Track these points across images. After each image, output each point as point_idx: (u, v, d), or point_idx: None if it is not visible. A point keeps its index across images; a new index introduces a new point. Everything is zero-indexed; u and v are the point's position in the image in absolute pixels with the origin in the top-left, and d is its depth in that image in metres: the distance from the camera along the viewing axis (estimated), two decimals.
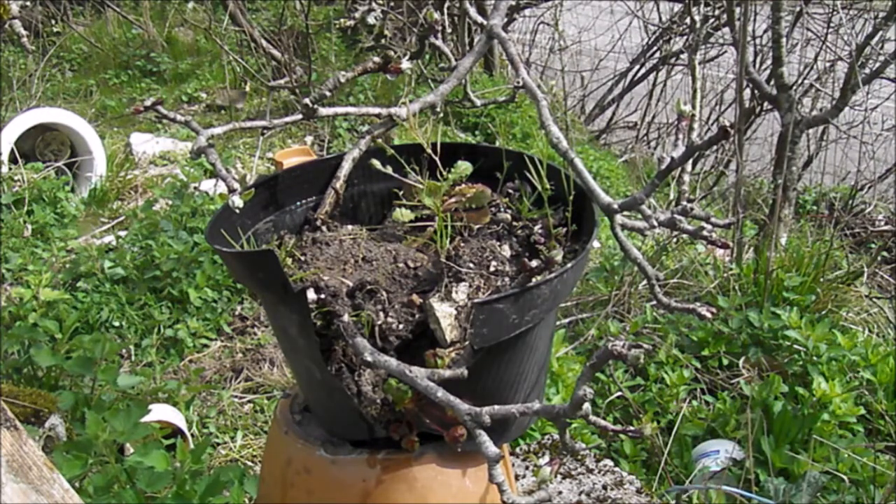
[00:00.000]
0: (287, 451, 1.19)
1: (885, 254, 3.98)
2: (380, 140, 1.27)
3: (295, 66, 4.91)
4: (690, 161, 2.92)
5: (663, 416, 2.41)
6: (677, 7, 5.45)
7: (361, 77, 2.86)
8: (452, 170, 1.18)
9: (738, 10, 3.26)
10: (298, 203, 1.29)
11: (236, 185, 1.11)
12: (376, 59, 1.26)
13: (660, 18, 5.67)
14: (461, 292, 1.07)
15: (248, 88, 5.28)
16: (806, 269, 2.82)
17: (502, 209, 1.23)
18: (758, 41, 4.66)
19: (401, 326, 1.08)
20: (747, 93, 4.02)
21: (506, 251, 1.16)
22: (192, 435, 2.39)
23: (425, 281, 1.14)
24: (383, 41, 1.41)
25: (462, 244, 1.16)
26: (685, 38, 5.16)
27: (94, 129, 4.11)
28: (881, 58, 3.42)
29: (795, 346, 2.46)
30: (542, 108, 1.11)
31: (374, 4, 1.38)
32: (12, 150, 3.73)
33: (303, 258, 1.18)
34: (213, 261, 2.96)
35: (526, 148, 4.61)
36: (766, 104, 4.22)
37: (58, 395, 2.06)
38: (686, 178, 2.89)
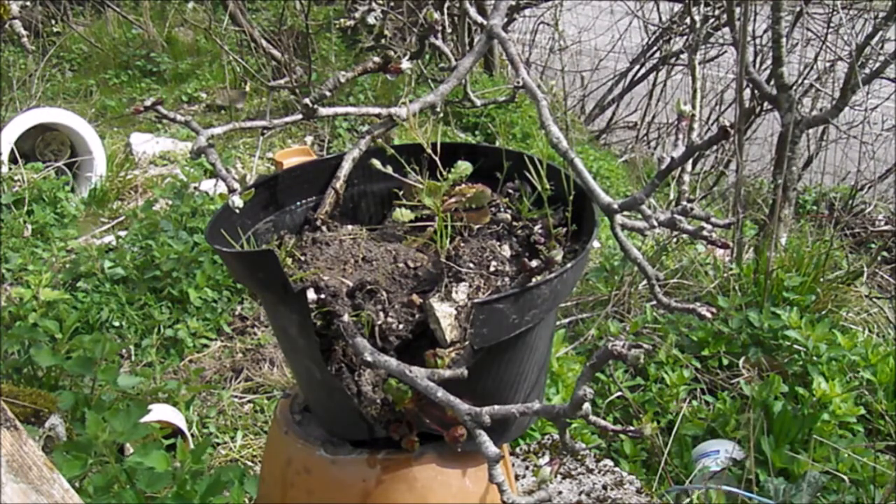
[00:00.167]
0: (287, 451, 1.19)
1: (885, 254, 3.97)
2: (380, 140, 1.27)
3: (295, 66, 4.91)
4: (690, 161, 2.93)
5: (663, 416, 2.41)
6: (677, 7, 5.45)
7: (361, 77, 2.86)
8: (452, 170, 1.18)
9: (738, 10, 3.25)
10: (298, 203, 1.29)
11: (236, 185, 1.11)
12: (376, 59, 1.26)
13: (660, 18, 5.67)
14: (461, 292, 1.07)
15: (248, 88, 5.28)
16: (806, 269, 2.81)
17: (502, 209, 1.23)
18: (758, 41, 4.66)
19: (401, 326, 1.08)
20: (747, 93, 4.02)
21: (506, 251, 1.16)
22: (192, 435, 2.39)
23: (425, 281, 1.14)
24: (383, 41, 1.41)
25: (462, 244, 1.16)
26: (685, 38, 5.16)
27: (94, 129, 4.11)
28: (881, 58, 3.42)
29: (795, 346, 2.46)
30: (542, 108, 1.11)
31: (374, 4, 1.38)
32: (12, 150, 3.73)
33: (303, 258, 1.17)
34: (213, 261, 2.96)
35: (526, 148, 4.61)
36: (766, 104, 4.22)
37: (58, 395, 2.06)
38: (686, 178, 2.89)
